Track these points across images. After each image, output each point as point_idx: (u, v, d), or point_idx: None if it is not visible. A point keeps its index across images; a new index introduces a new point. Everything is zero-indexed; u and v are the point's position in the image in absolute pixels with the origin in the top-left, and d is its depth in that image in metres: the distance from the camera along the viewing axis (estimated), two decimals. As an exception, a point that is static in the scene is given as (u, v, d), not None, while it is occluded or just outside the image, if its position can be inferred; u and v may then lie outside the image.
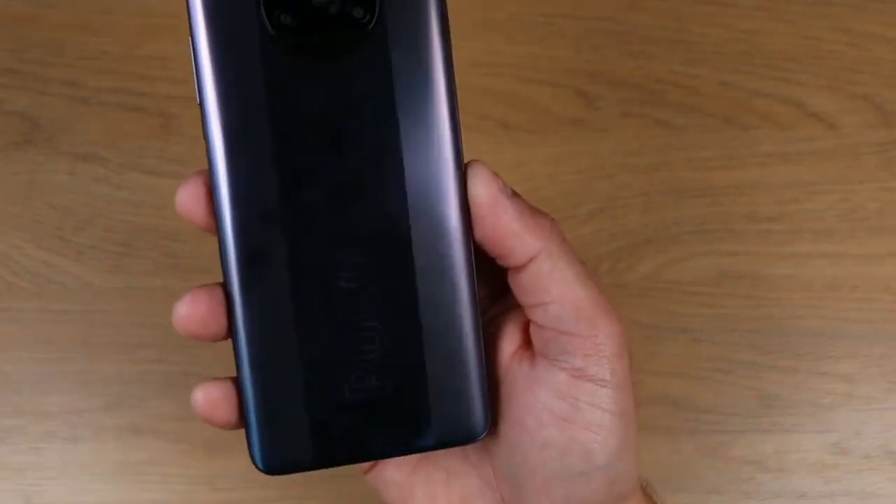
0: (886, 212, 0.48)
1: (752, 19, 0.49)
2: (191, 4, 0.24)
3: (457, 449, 0.28)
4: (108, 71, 0.48)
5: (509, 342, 0.27)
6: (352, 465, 0.27)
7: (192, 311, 0.24)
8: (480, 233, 0.25)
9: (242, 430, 0.26)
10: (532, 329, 0.27)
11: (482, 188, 0.25)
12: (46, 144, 0.47)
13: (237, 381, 0.25)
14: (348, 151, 0.25)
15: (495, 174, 0.25)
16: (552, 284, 0.25)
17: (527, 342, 0.27)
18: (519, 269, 0.26)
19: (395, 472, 0.29)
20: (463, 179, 0.25)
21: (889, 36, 0.49)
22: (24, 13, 0.48)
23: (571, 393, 0.26)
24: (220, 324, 0.25)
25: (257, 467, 0.26)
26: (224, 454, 0.45)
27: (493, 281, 0.27)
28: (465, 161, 0.26)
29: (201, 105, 0.24)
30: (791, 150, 0.48)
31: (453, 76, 0.25)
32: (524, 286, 0.26)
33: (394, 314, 0.25)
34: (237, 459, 0.45)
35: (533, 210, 0.25)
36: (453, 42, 0.25)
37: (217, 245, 0.25)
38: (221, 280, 0.25)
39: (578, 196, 0.47)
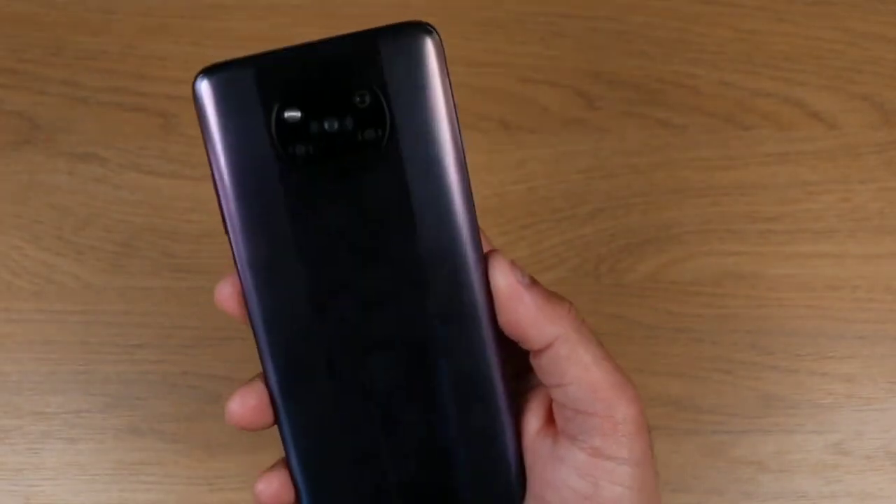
0: (887, 212, 0.48)
1: (752, 19, 0.49)
2: (208, 146, 0.25)
3: None
4: (107, 70, 0.48)
5: (534, 419, 0.29)
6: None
7: (242, 408, 0.27)
8: (501, 320, 0.27)
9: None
10: (554, 407, 0.28)
11: (501, 279, 0.26)
12: (45, 144, 0.47)
13: (289, 469, 0.28)
14: (374, 260, 0.26)
15: (513, 264, 0.27)
16: (569, 367, 0.26)
17: (551, 420, 0.28)
18: (538, 352, 0.27)
19: None
20: (486, 273, 0.26)
21: (889, 36, 0.49)
22: (23, 13, 0.48)
23: (591, 472, 0.27)
24: (268, 415, 0.27)
25: None
26: (223, 454, 0.45)
27: (520, 360, 0.28)
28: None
29: (228, 235, 0.25)
30: (792, 150, 0.48)
31: (468, 176, 0.26)
32: (543, 368, 0.27)
33: (431, 405, 0.27)
34: (236, 459, 0.45)
35: (550, 297, 0.27)
36: (464, 142, 0.26)
37: (255, 344, 0.27)
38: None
39: (578, 196, 0.47)
